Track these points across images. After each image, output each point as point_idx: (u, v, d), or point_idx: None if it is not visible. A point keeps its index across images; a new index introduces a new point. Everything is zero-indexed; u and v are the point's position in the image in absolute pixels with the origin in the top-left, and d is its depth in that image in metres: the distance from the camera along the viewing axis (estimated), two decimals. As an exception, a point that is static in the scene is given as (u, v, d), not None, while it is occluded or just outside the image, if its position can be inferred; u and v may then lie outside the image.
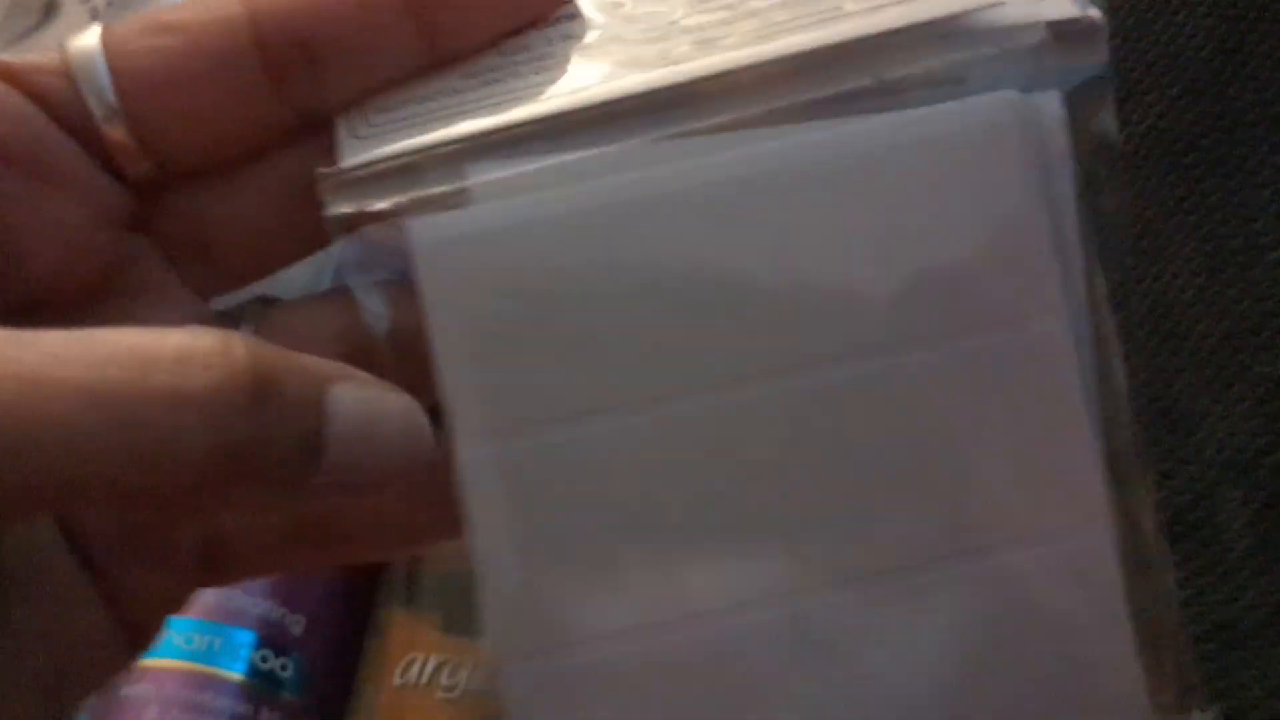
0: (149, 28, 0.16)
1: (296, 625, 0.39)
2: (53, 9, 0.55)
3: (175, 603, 0.18)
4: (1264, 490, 0.27)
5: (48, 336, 0.12)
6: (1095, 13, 0.17)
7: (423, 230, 0.16)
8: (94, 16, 0.53)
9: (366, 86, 0.17)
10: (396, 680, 0.37)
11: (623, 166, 0.16)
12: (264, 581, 0.39)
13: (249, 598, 0.38)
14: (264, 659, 0.38)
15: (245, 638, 0.38)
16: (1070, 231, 0.18)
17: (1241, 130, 0.28)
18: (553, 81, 0.17)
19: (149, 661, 0.37)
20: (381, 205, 0.16)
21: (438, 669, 0.36)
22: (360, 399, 0.14)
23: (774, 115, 0.16)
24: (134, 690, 0.37)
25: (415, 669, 0.37)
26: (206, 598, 0.39)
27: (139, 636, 0.17)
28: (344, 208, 0.16)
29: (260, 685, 0.38)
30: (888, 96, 0.16)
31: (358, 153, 0.16)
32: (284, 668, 0.38)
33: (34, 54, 0.16)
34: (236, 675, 0.37)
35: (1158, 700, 0.17)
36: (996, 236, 0.17)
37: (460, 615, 0.37)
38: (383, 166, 0.16)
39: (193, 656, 0.37)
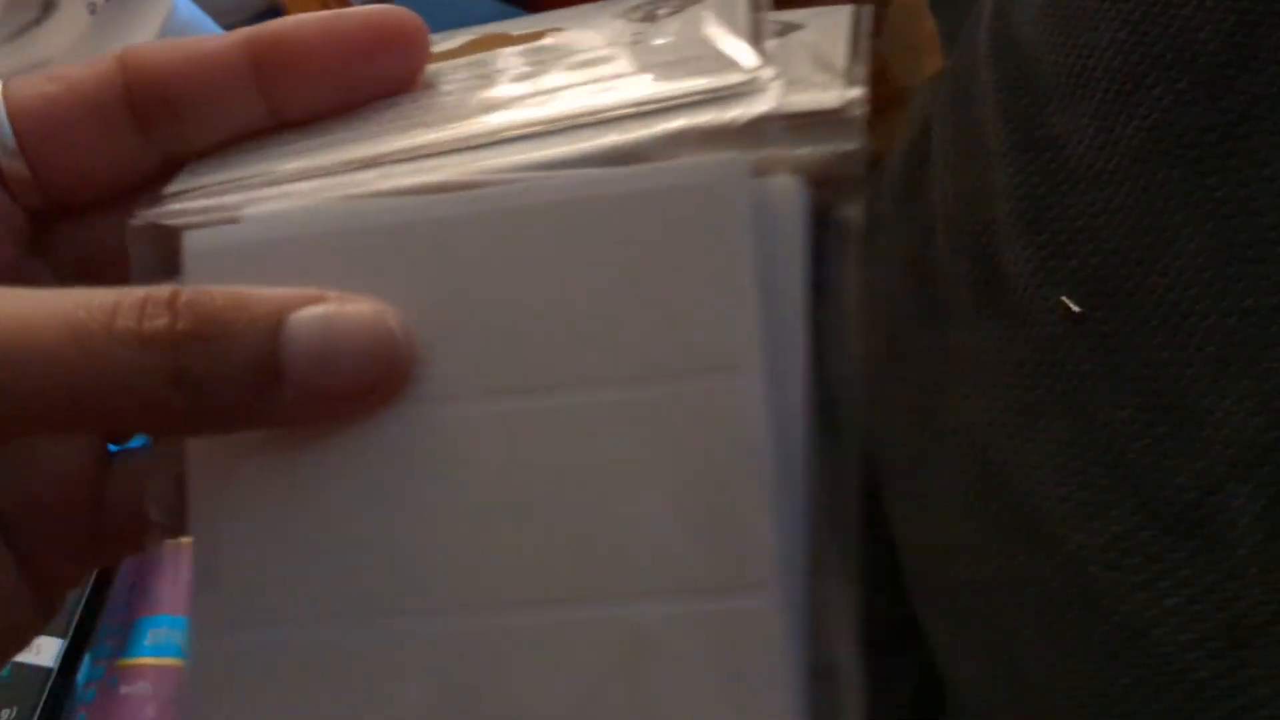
0: (41, 79, 0.18)
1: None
2: (51, 4, 0.55)
3: (76, 577, 0.20)
4: (1272, 486, 0.27)
5: (25, 290, 0.15)
6: (852, 105, 0.18)
7: (195, 240, 0.18)
8: (91, 11, 0.53)
9: (218, 136, 0.20)
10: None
11: (381, 210, 0.18)
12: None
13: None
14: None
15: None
16: (792, 300, 0.18)
17: (1249, 124, 0.28)
18: (354, 142, 0.19)
19: (149, 660, 0.37)
20: (168, 220, 0.19)
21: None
22: (319, 318, 0.16)
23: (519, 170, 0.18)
24: (133, 688, 0.37)
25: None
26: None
27: (47, 606, 0.19)
28: (140, 220, 0.19)
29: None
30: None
31: (181, 182, 0.19)
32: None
33: None
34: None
35: None
36: (705, 289, 0.18)
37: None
38: (180, 188, 0.19)
39: (192, 654, 0.37)
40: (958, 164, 0.37)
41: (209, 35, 0.20)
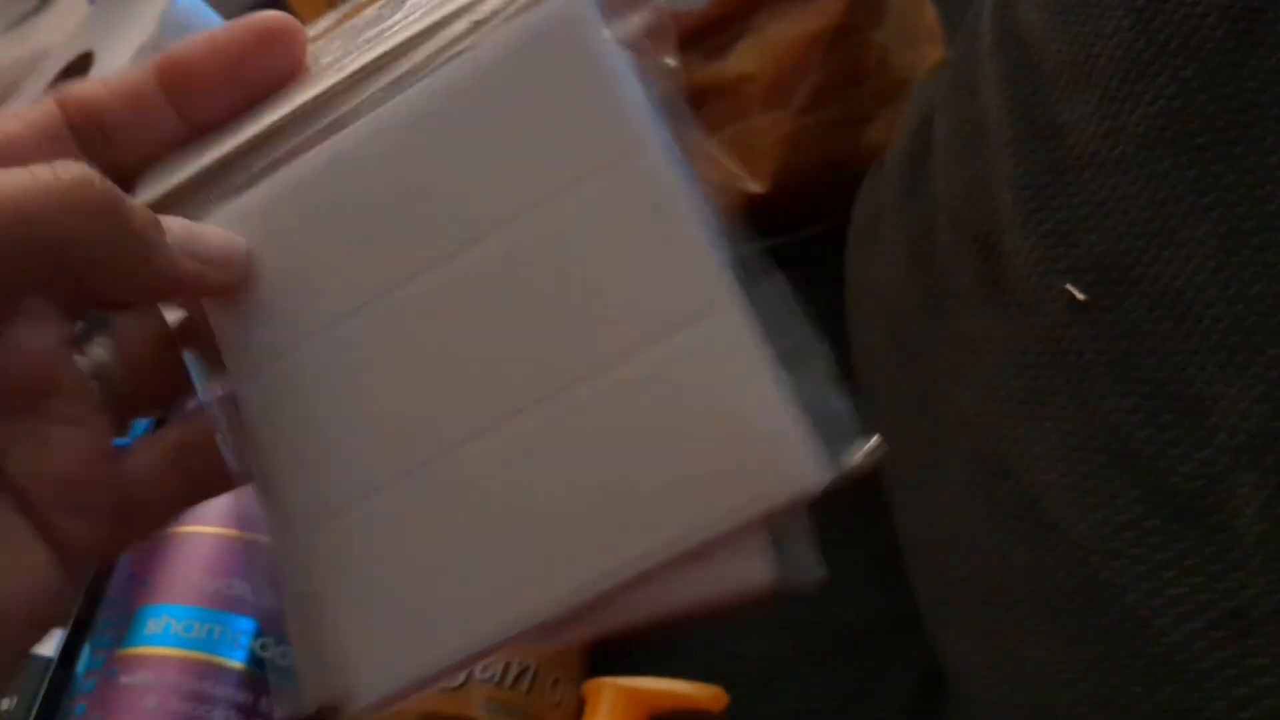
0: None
1: (297, 613, 0.39)
2: (50, -6, 0.55)
3: (105, 550, 0.22)
4: (1277, 474, 0.27)
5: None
6: None
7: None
8: (90, 1, 0.53)
9: (149, 151, 0.23)
10: (397, 668, 0.36)
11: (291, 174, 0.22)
12: (263, 570, 0.39)
13: (249, 585, 0.38)
14: (264, 647, 0.38)
15: (245, 625, 0.38)
16: (639, 95, 0.20)
17: (1255, 111, 0.28)
18: (250, 125, 0.23)
19: (149, 649, 0.37)
20: None
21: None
22: (184, 223, 0.21)
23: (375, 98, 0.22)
24: (134, 678, 0.37)
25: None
26: (206, 586, 0.39)
27: (76, 575, 0.21)
28: None
29: (260, 673, 0.37)
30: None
31: (143, 184, 0.23)
32: (285, 655, 0.38)
33: None
34: (237, 663, 0.37)
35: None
36: (588, 102, 0.20)
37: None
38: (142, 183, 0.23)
39: (193, 645, 0.37)
40: (961, 154, 0.37)
41: (133, 66, 0.24)
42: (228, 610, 0.38)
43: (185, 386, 0.23)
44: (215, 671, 0.37)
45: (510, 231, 0.20)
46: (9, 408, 0.20)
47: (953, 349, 0.36)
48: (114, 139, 0.23)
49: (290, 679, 0.22)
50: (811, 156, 0.51)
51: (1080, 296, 0.31)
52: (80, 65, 0.48)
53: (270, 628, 0.38)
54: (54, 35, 0.52)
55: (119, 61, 0.44)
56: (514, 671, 0.36)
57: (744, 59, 0.52)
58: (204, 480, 0.23)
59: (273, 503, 0.21)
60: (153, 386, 0.24)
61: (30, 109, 0.22)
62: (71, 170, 0.19)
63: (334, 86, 0.22)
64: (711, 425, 0.19)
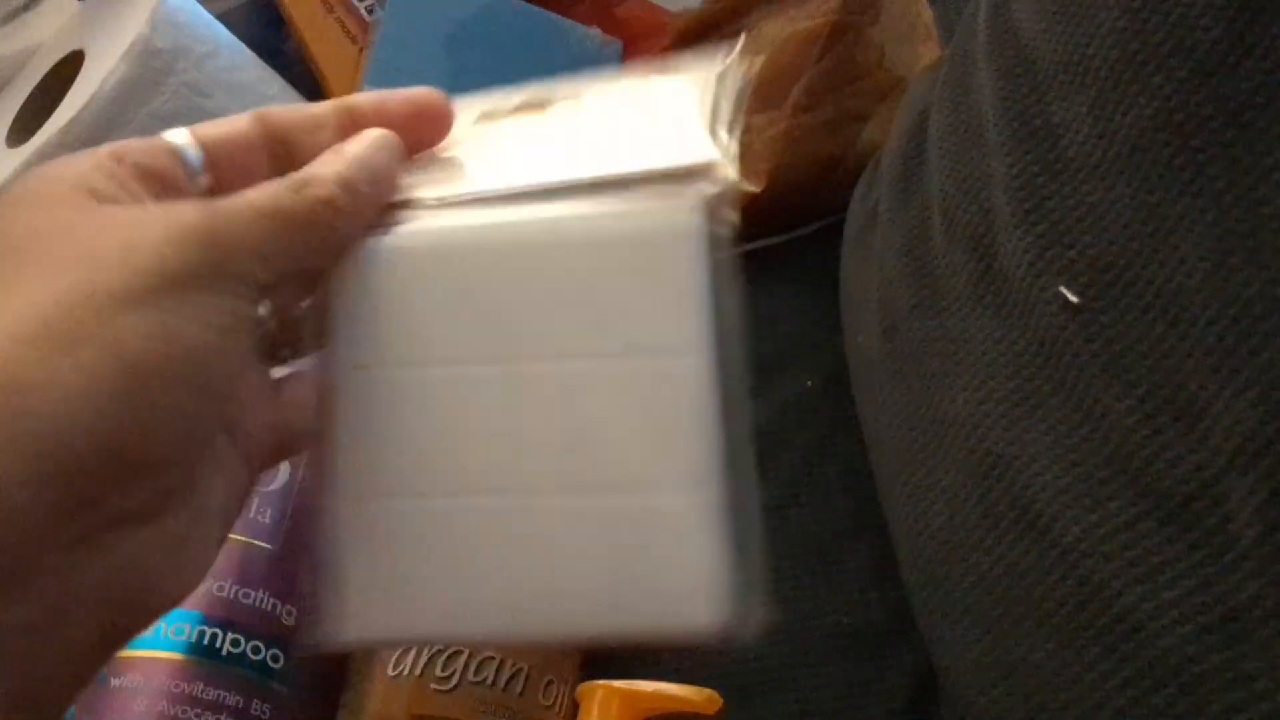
0: (208, 125, 0.27)
1: (288, 616, 0.39)
2: (42, -9, 0.55)
3: (272, 461, 0.28)
4: (1272, 478, 0.26)
5: (231, 201, 0.25)
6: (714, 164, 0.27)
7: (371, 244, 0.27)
8: (82, -1, 0.52)
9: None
10: (390, 671, 0.36)
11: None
12: (257, 574, 0.39)
13: (241, 588, 0.38)
14: (255, 650, 0.38)
15: (237, 629, 0.38)
16: (709, 303, 0.26)
17: (1251, 112, 0.27)
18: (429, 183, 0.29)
19: (139, 652, 0.37)
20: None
21: (431, 660, 0.36)
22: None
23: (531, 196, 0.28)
24: (124, 681, 0.36)
25: (410, 659, 0.36)
26: (198, 589, 0.38)
27: (253, 483, 0.28)
28: None
29: (252, 676, 0.37)
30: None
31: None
32: (275, 659, 0.38)
33: (144, 141, 0.27)
34: (228, 666, 0.37)
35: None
36: (667, 299, 0.26)
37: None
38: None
39: (184, 648, 0.37)
40: (956, 153, 0.37)
41: (319, 103, 0.29)
42: (219, 614, 0.38)
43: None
44: (206, 675, 0.37)
45: (575, 364, 0.26)
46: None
47: (947, 349, 0.36)
48: (295, 160, 0.28)
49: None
50: (806, 156, 0.51)
51: (1074, 298, 0.31)
52: (71, 63, 0.48)
53: (261, 631, 0.38)
54: (44, 33, 0.52)
55: (110, 59, 0.44)
56: (507, 674, 0.36)
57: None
58: None
59: (334, 465, 0.27)
60: (298, 339, 0.29)
61: (234, 120, 0.28)
62: (311, 192, 0.26)
63: (488, 192, 0.28)
64: (657, 567, 0.25)
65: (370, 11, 0.52)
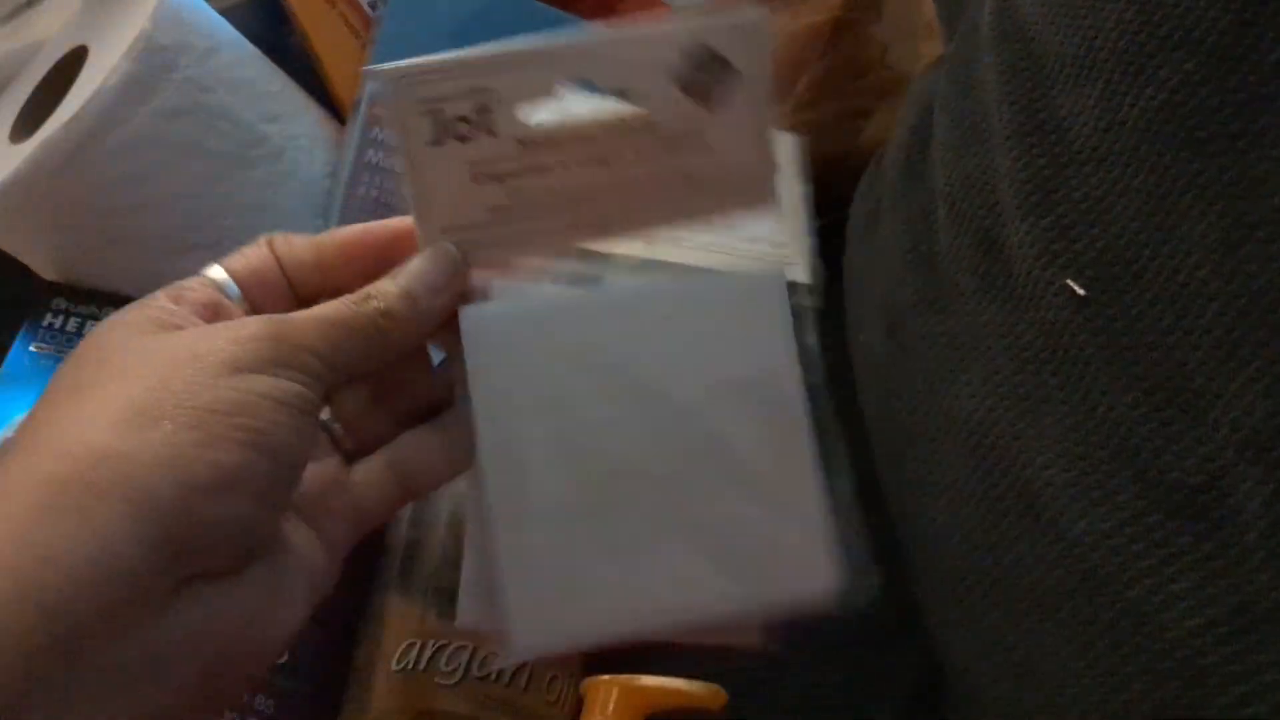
0: (233, 259, 0.32)
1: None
2: (43, -12, 0.55)
3: (348, 542, 0.31)
4: (1280, 471, 0.26)
5: (297, 313, 0.29)
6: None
7: (469, 312, 0.32)
8: (85, -5, 0.52)
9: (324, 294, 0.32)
10: (395, 665, 0.36)
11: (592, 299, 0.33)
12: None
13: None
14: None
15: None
16: (793, 340, 0.32)
17: (1259, 104, 0.27)
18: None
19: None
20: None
21: (436, 654, 0.36)
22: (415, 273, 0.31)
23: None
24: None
25: (414, 654, 0.36)
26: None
27: (336, 563, 0.31)
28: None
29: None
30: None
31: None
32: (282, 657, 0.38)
33: (191, 280, 0.31)
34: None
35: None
36: (760, 340, 0.32)
37: (457, 601, 0.36)
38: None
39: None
40: (960, 148, 0.37)
41: (333, 231, 0.33)
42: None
43: (382, 437, 0.32)
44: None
45: (692, 395, 0.32)
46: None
47: (952, 344, 0.36)
48: (304, 284, 0.32)
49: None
50: (809, 152, 0.51)
51: (1081, 291, 0.31)
52: (74, 59, 0.48)
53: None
54: (47, 29, 0.52)
55: (113, 56, 0.44)
56: (510, 669, 0.36)
57: (742, 54, 0.51)
58: (407, 486, 0.32)
59: (484, 490, 0.31)
60: (361, 433, 0.32)
61: (257, 250, 0.32)
62: (373, 304, 0.30)
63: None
64: (778, 551, 0.31)
65: (373, 7, 0.52)
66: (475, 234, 0.32)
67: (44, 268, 0.48)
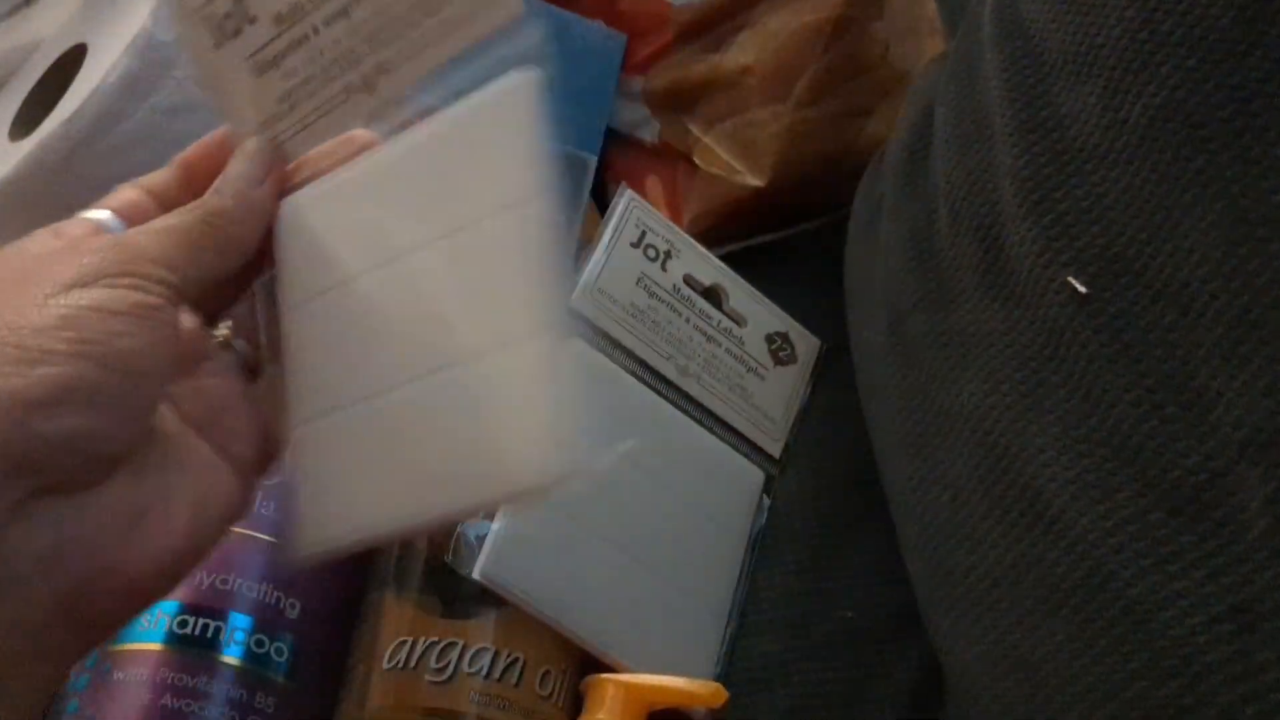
0: (125, 188, 0.32)
1: (291, 609, 0.38)
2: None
3: (259, 466, 0.30)
4: (1282, 468, 0.26)
5: (142, 227, 0.29)
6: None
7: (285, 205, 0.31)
8: (84, -8, 0.52)
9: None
10: (386, 663, 0.36)
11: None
12: (259, 566, 0.39)
13: (244, 581, 0.38)
14: (259, 643, 0.37)
15: (240, 621, 0.37)
16: (538, 159, 0.27)
17: (1261, 100, 0.27)
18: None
19: (142, 645, 0.37)
20: None
21: (426, 651, 0.36)
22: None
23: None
24: (127, 674, 0.36)
25: (405, 652, 0.36)
26: (200, 581, 0.38)
27: (247, 487, 0.30)
28: None
29: (254, 669, 0.37)
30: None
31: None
32: (279, 652, 0.38)
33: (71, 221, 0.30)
34: (231, 659, 0.37)
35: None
36: (496, 158, 0.28)
37: (450, 599, 0.36)
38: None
39: (187, 640, 0.37)
40: (961, 145, 0.37)
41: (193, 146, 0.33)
42: (221, 605, 0.38)
43: None
44: (209, 667, 0.37)
45: (429, 251, 0.28)
46: (182, 373, 0.30)
47: (954, 342, 0.36)
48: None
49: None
50: (810, 150, 0.51)
51: (1082, 289, 0.31)
52: (73, 57, 0.48)
53: (264, 623, 0.38)
54: (46, 27, 0.52)
55: (112, 53, 0.44)
56: (502, 665, 0.36)
57: (743, 52, 0.51)
58: None
59: (288, 397, 0.30)
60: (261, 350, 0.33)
61: (151, 177, 0.32)
62: (202, 207, 0.30)
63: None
64: (503, 427, 0.26)
65: (373, 5, 0.52)
66: (278, 126, 0.32)
67: (43, 265, 0.48)
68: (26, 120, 0.47)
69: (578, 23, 0.53)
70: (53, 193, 0.44)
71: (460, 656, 0.36)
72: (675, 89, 0.53)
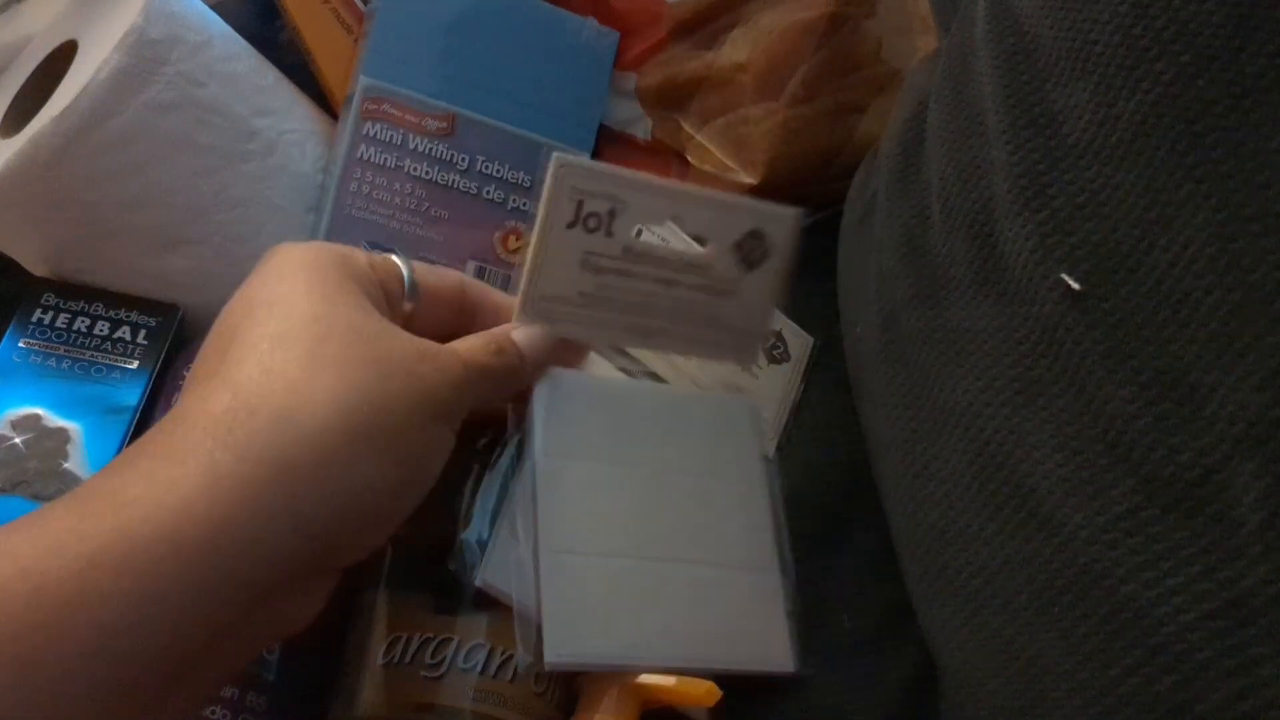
0: (426, 268, 0.37)
1: (284, 607, 0.38)
2: (32, -18, 0.54)
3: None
4: (1275, 464, 0.26)
5: (466, 355, 0.34)
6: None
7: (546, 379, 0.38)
8: (75, -12, 0.52)
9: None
10: (381, 659, 0.36)
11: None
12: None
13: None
14: (251, 641, 0.37)
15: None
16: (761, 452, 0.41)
17: (1254, 97, 0.27)
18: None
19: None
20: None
21: (421, 648, 0.36)
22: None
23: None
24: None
25: (399, 648, 0.36)
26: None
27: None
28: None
29: (247, 668, 0.37)
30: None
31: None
32: (269, 650, 0.37)
33: (383, 258, 0.36)
34: (223, 658, 0.37)
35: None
36: (739, 449, 0.41)
37: (444, 596, 0.36)
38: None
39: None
40: (955, 142, 0.37)
41: (508, 296, 0.38)
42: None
43: None
44: (201, 666, 0.36)
45: (682, 474, 0.39)
46: None
47: (947, 339, 0.36)
48: (473, 318, 0.37)
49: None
50: (803, 147, 0.51)
51: (1076, 285, 0.31)
52: (64, 53, 0.47)
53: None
54: (37, 23, 0.52)
55: (103, 49, 0.44)
56: (497, 662, 0.36)
57: (736, 48, 0.51)
58: None
59: (539, 528, 0.36)
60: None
61: (443, 274, 0.37)
62: (505, 359, 0.34)
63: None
64: (752, 621, 0.38)
65: (365, 1, 0.52)
66: (566, 308, 0.38)
67: (33, 263, 0.48)
68: (17, 116, 0.47)
69: (571, 19, 0.53)
70: (43, 189, 0.44)
71: (455, 653, 0.36)
72: (668, 86, 0.53)
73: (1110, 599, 0.29)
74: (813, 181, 0.52)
